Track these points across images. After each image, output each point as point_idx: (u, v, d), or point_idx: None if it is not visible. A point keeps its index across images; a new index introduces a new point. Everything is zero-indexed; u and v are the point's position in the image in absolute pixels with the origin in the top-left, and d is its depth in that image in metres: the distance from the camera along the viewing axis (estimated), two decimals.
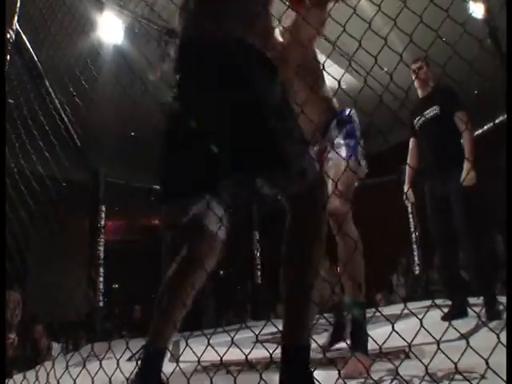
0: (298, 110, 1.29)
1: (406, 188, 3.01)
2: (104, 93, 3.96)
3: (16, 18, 2.86)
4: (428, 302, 2.56)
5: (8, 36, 2.75)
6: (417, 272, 4.93)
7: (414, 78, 2.86)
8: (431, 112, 2.83)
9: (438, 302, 2.81)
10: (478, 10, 4.05)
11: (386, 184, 4.99)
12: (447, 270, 2.80)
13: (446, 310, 2.35)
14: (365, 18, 1.27)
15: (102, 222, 4.33)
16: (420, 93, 2.99)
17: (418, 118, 2.93)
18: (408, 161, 3.07)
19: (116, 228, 9.11)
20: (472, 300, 2.65)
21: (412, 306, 2.11)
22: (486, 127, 4.13)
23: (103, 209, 4.34)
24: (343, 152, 1.78)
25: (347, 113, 1.90)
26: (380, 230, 3.39)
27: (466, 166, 2.55)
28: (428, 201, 2.89)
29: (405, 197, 3.21)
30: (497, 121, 3.85)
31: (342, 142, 1.83)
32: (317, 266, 1.12)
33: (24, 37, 3.00)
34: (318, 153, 1.87)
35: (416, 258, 4.89)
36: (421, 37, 1.31)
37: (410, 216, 4.83)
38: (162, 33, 3.41)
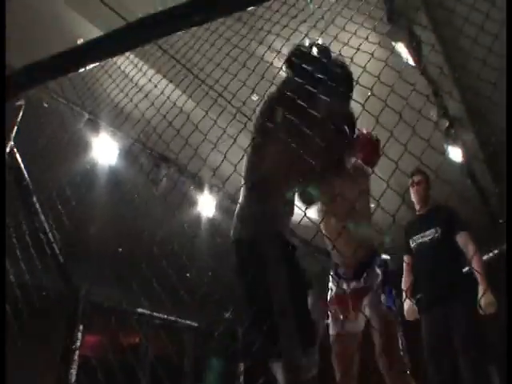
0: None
1: (405, 307, 2.68)
2: (96, 210, 3.94)
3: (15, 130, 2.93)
4: None
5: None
6: None
7: (412, 190, 2.71)
8: (431, 234, 2.63)
9: None
10: (456, 154, 4.23)
11: None
12: None
13: None
14: None
15: (78, 343, 3.91)
16: (418, 208, 2.79)
17: (415, 237, 2.73)
18: (403, 282, 2.76)
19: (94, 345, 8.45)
20: None
21: None
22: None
23: (80, 328, 3.96)
24: (389, 301, 1.75)
25: (383, 257, 1.88)
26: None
27: (482, 290, 2.29)
28: (425, 337, 2.57)
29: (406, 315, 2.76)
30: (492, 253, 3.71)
31: (383, 289, 1.78)
32: None
33: (17, 152, 3.05)
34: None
35: None
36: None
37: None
38: (155, 157, 3.52)
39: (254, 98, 1.72)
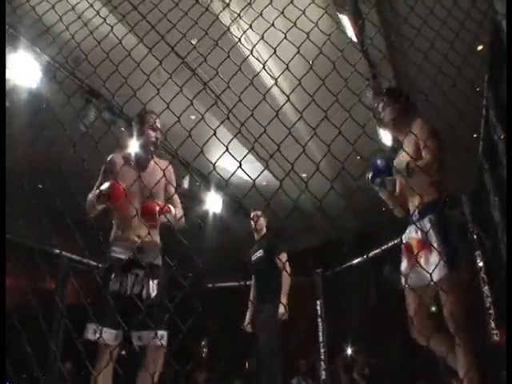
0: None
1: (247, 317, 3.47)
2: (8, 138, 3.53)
3: None
4: None
5: None
6: (323, 376, 4.84)
7: (252, 223, 3.54)
8: (258, 254, 3.46)
9: None
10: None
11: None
12: None
13: None
14: (287, 123, 1.24)
15: None
16: (256, 236, 3.58)
17: (252, 256, 3.50)
18: (251, 296, 3.54)
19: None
20: None
21: None
22: None
23: None
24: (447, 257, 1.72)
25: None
26: (287, 330, 3.39)
27: (283, 301, 3.14)
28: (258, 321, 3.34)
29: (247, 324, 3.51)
30: None
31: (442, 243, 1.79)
32: None
33: None
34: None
35: (322, 363, 4.82)
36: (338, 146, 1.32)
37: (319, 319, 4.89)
38: (84, 90, 3.21)
39: (194, 41, 1.65)
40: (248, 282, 3.66)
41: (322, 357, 4.95)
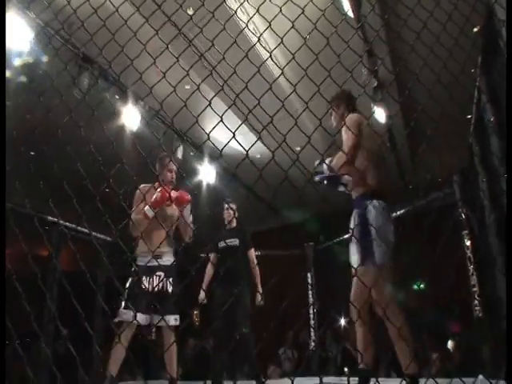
0: None
1: (202, 291, 3.83)
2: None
3: None
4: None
5: None
6: (312, 347, 5.04)
7: (225, 214, 4.04)
8: (232, 242, 3.90)
9: None
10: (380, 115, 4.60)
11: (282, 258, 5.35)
12: None
13: None
14: (283, 97, 1.27)
15: None
16: (228, 226, 4.08)
17: (221, 242, 3.94)
18: (207, 270, 3.93)
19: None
20: None
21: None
22: None
23: None
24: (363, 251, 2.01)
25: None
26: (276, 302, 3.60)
27: (259, 290, 3.70)
28: (216, 301, 3.73)
29: (200, 298, 3.88)
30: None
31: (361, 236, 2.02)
32: None
33: None
34: None
35: (312, 334, 4.99)
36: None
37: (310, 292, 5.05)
38: (78, 56, 3.16)
39: (190, 11, 1.64)
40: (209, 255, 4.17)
41: (312, 328, 5.14)
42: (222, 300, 3.62)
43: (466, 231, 5.07)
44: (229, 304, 3.46)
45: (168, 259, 2.74)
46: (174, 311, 2.70)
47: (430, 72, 1.59)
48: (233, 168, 5.81)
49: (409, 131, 5.06)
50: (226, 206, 4.11)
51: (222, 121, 1.17)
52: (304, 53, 1.41)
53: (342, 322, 7.40)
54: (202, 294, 3.77)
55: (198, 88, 1.27)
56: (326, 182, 2.13)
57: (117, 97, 4.16)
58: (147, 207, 2.60)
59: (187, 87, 2.19)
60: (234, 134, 1.13)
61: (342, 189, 2.18)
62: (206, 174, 6.20)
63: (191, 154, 5.74)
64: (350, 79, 1.40)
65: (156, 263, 2.55)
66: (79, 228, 4.26)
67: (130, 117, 4.42)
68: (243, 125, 1.66)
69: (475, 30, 2.35)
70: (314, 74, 1.37)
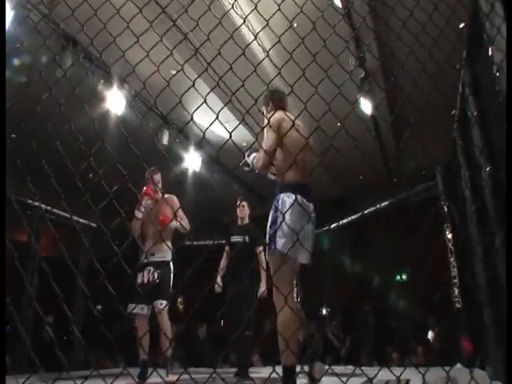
0: None
1: (218, 278, 4.04)
2: None
3: None
4: None
5: None
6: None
7: (238, 211, 4.14)
8: (240, 239, 4.02)
9: None
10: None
11: None
12: None
13: None
14: (266, 81, 1.26)
15: None
16: (240, 222, 4.16)
17: (234, 237, 4.09)
18: (222, 262, 4.13)
19: None
20: None
21: None
22: None
23: None
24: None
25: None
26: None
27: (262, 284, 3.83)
28: (228, 294, 3.95)
29: (216, 286, 4.06)
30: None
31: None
32: None
33: None
34: None
35: None
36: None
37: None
38: (60, 35, 3.06)
39: None
40: (222, 242, 4.28)
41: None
42: (230, 292, 3.87)
43: (448, 224, 5.18)
44: (235, 298, 3.66)
45: (160, 255, 3.24)
46: (161, 297, 3.20)
47: (415, 61, 1.60)
48: (216, 153, 5.78)
49: (393, 119, 5.09)
50: (239, 202, 4.20)
51: (205, 101, 1.16)
52: (290, 37, 1.40)
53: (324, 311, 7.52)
54: (219, 282, 4.00)
55: (182, 68, 1.25)
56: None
57: (101, 80, 4.07)
58: (136, 210, 3.18)
59: (173, 72, 2.16)
60: (217, 115, 1.12)
61: (272, 177, 2.30)
62: (192, 161, 6.17)
63: (176, 140, 5.69)
64: (337, 66, 1.40)
65: (149, 260, 3.14)
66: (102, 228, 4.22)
67: (114, 98, 4.34)
68: (228, 113, 1.64)
69: (461, 26, 2.36)
70: (301, 59, 1.36)
